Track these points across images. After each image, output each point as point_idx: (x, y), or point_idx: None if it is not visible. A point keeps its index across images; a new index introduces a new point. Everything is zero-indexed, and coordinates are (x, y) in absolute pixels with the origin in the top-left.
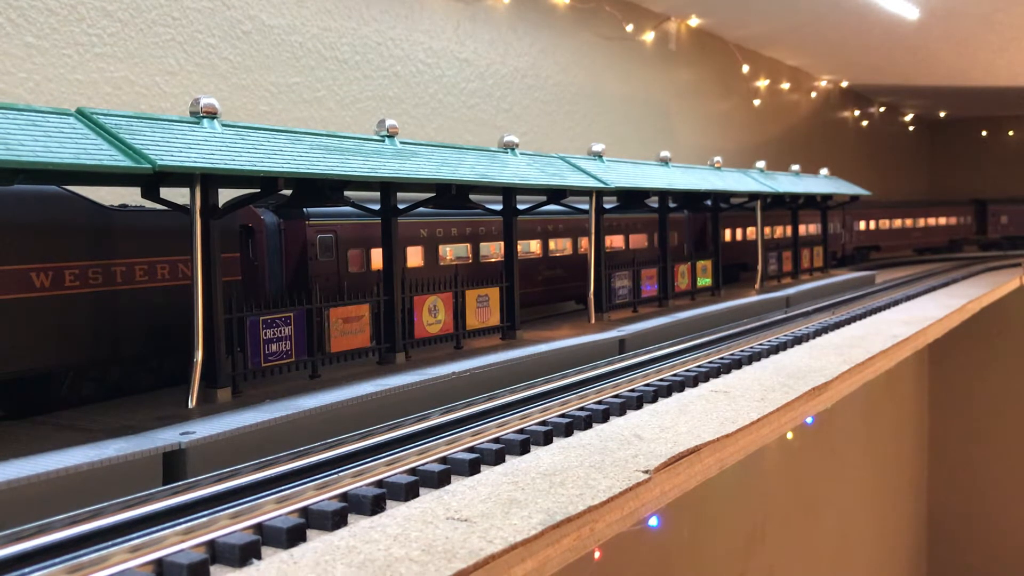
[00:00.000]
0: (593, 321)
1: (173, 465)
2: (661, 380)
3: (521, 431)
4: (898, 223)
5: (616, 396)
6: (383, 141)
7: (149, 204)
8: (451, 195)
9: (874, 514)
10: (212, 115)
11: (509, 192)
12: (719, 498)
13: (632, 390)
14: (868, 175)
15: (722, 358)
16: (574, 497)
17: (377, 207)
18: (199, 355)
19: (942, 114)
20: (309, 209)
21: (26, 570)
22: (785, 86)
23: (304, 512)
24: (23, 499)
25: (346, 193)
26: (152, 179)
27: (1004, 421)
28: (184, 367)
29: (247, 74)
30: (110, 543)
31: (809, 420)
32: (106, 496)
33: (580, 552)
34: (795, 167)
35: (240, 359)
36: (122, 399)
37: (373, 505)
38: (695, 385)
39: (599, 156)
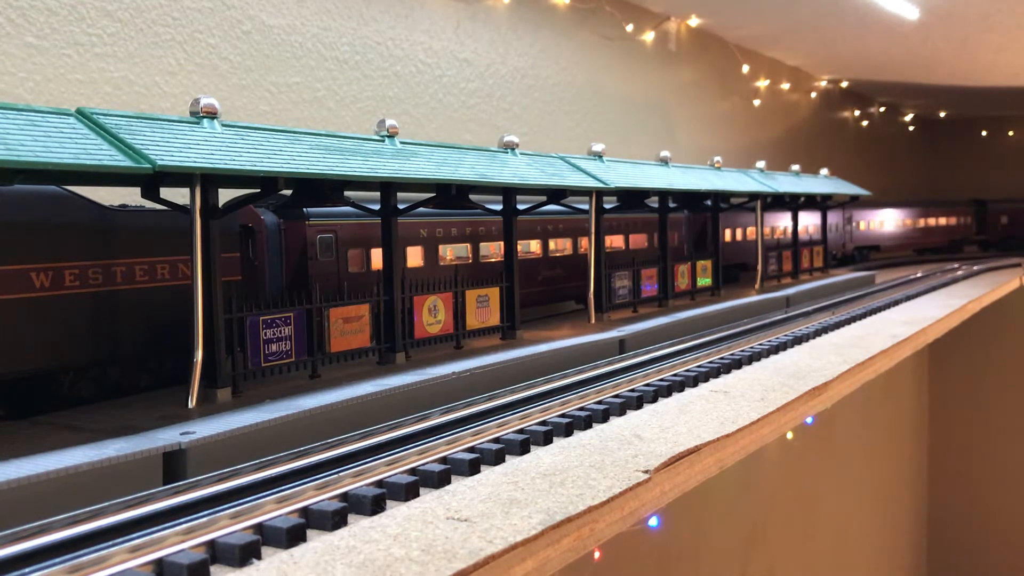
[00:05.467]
0: (593, 321)
1: (173, 465)
2: (661, 380)
3: (521, 431)
4: (898, 223)
5: (616, 396)
6: (383, 141)
7: (149, 204)
8: (451, 195)
9: (874, 514)
10: (212, 115)
11: (509, 192)
12: (719, 498)
13: (632, 390)
14: (868, 175)
15: (722, 358)
16: (574, 497)
17: (377, 207)
18: (199, 355)
19: (942, 114)
20: (309, 209)
21: (26, 570)
22: (785, 86)
23: (304, 512)
24: (23, 499)
25: (346, 193)
26: (152, 179)
27: (1004, 421)
28: (184, 367)
29: (247, 74)
30: (110, 543)
31: (809, 420)
32: (106, 496)
33: (580, 552)
34: (795, 167)
35: (240, 359)
36: (122, 399)
37: (373, 505)
38: (695, 385)
39: (599, 156)
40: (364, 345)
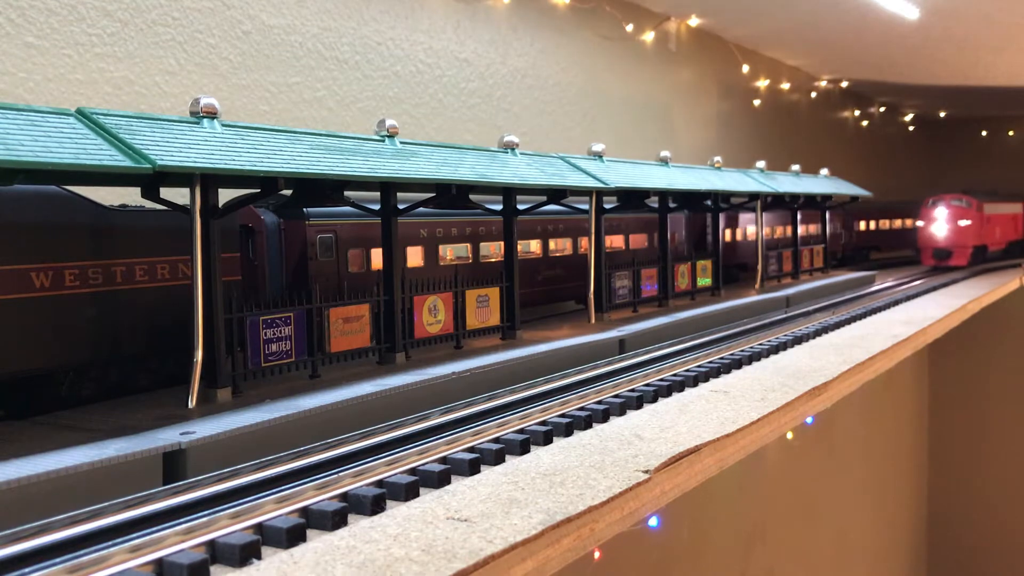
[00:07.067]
0: (593, 321)
1: (173, 465)
2: (661, 380)
3: (521, 431)
4: (898, 223)
5: (616, 396)
6: (383, 141)
7: (149, 204)
8: (451, 195)
9: (874, 514)
10: (212, 115)
11: (509, 192)
12: (719, 498)
13: (632, 390)
14: (868, 175)
15: (722, 358)
16: (574, 497)
17: (377, 207)
18: (199, 355)
19: (942, 114)
20: (309, 209)
21: (26, 570)
22: (785, 86)
23: (304, 512)
24: (23, 499)
25: (346, 193)
26: (152, 179)
27: (1004, 421)
28: (184, 367)
29: (247, 74)
30: (110, 543)
31: (809, 420)
32: (106, 496)
33: (580, 552)
34: (795, 167)
35: (240, 359)
36: (122, 399)
37: (373, 505)
38: (695, 385)
39: (599, 156)
40: (364, 345)
